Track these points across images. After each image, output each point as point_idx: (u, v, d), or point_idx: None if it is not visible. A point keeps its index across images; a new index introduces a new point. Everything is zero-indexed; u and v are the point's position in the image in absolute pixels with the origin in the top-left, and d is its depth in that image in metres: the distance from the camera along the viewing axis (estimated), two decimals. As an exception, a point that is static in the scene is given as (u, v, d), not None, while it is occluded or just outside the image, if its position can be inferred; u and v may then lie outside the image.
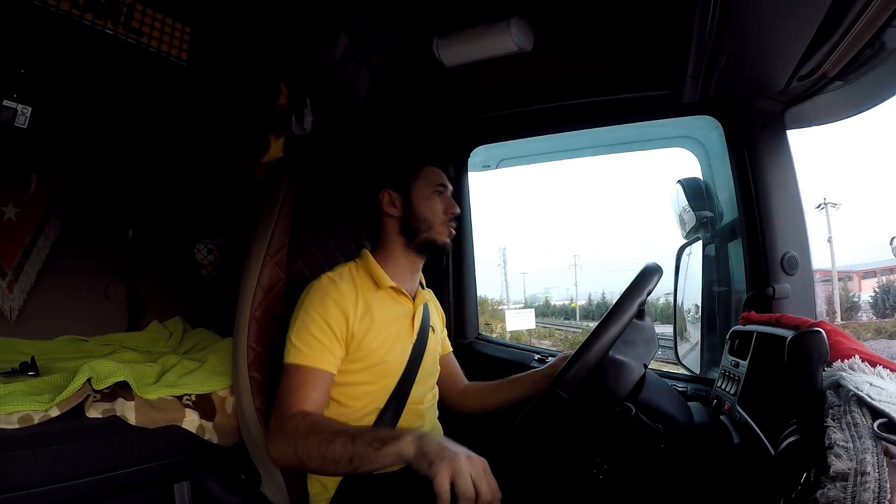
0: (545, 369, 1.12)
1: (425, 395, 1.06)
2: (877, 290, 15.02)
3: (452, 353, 1.25)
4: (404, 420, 1.00)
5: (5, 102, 1.09)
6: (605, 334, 0.76)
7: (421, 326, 1.06)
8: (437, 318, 1.18)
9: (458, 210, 1.06)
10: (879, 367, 0.54)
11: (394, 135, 1.57)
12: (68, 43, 1.10)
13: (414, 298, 1.07)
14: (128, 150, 1.51)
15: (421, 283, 1.12)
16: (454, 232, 1.06)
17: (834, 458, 0.43)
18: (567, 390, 0.74)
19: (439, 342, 1.17)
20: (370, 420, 0.97)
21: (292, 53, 1.33)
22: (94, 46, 1.13)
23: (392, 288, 1.02)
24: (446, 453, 0.66)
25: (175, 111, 1.39)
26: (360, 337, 0.95)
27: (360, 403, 0.97)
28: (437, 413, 1.12)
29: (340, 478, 0.94)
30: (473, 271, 1.66)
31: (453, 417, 1.18)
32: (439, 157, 1.09)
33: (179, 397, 1.12)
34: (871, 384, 0.50)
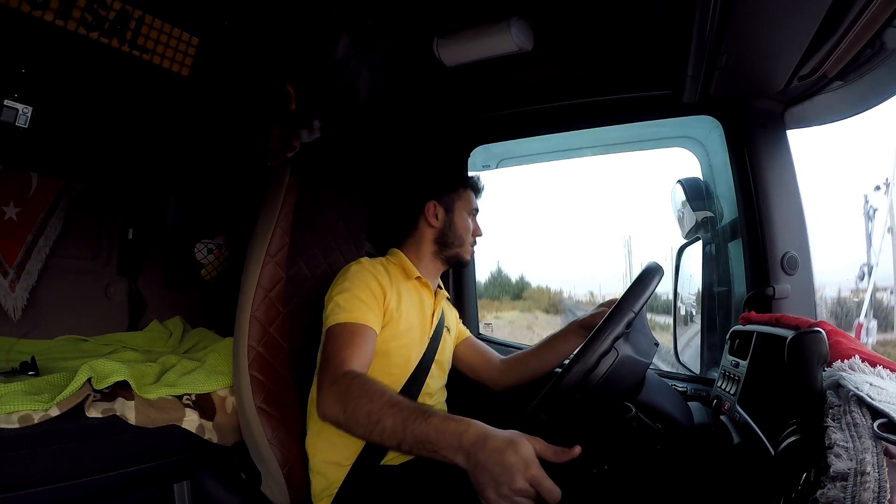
0: (585, 319, 1.10)
1: (437, 389, 1.10)
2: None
3: (473, 336, 1.28)
4: None
5: (7, 102, 1.09)
6: (599, 343, 0.75)
7: (439, 322, 1.13)
8: (453, 319, 1.24)
9: (482, 234, 1.19)
10: (879, 367, 0.54)
11: (438, 147, 1.62)
12: (72, 55, 1.10)
13: (435, 295, 1.16)
14: (129, 150, 1.51)
15: (439, 286, 1.20)
16: (474, 251, 1.20)
17: (834, 458, 0.43)
18: (548, 410, 0.73)
19: (452, 342, 1.22)
20: None
21: (295, 54, 1.33)
22: (97, 58, 1.13)
23: (419, 279, 1.11)
24: (504, 479, 0.60)
25: (178, 114, 1.39)
26: (389, 317, 0.99)
27: None
28: None
29: (345, 472, 0.94)
30: (473, 271, 1.67)
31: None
32: (475, 185, 1.22)
33: (179, 397, 1.13)
34: (871, 384, 0.50)
